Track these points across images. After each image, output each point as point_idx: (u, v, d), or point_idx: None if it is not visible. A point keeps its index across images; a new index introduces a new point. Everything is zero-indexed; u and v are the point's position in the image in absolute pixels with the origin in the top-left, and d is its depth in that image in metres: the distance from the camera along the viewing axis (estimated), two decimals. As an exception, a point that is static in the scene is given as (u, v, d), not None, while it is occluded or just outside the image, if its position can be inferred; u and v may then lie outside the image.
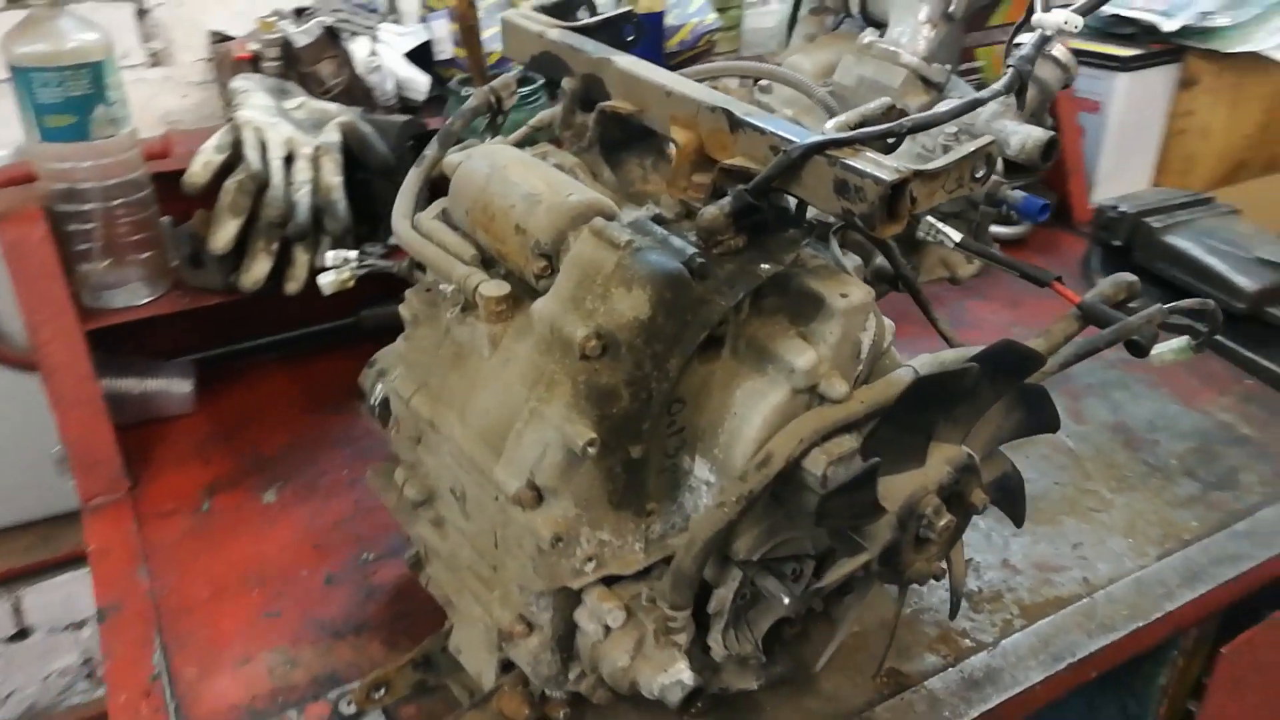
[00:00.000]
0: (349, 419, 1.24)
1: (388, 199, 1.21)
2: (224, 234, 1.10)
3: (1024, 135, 0.83)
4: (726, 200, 0.68)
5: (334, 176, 1.15)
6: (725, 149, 0.73)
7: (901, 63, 0.92)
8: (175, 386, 1.23)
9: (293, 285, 1.16)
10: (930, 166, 0.63)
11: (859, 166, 0.63)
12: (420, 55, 1.54)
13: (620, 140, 0.85)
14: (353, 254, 1.03)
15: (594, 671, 0.75)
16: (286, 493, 1.12)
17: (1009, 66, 0.75)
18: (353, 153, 1.19)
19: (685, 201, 0.75)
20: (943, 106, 0.70)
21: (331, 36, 1.47)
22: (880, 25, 1.01)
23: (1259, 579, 1.02)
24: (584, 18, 0.97)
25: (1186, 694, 1.11)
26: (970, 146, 0.65)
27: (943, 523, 0.66)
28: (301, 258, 1.15)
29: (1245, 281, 1.37)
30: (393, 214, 0.82)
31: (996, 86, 0.72)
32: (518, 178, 0.74)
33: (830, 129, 0.69)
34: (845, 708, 0.86)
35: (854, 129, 0.69)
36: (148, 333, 1.23)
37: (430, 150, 0.86)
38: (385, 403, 0.88)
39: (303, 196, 1.12)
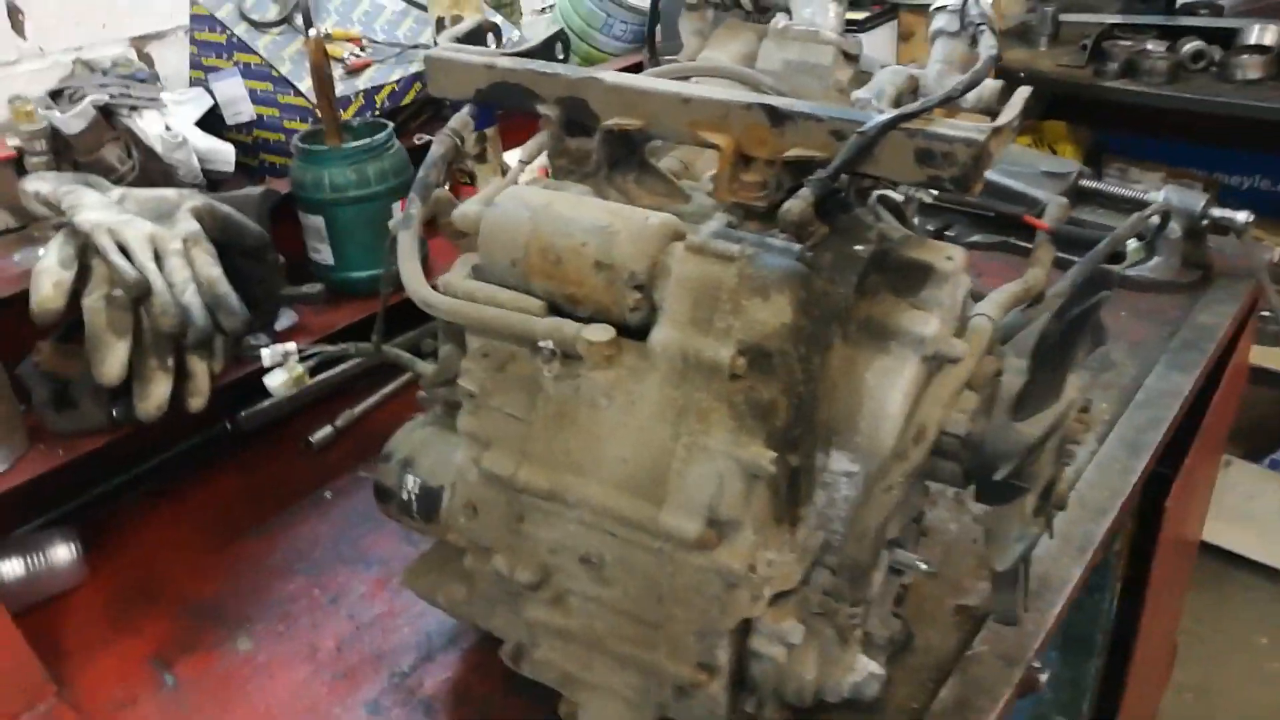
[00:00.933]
0: (278, 536, 1.09)
1: (263, 281, 1.09)
2: (114, 360, 0.92)
3: (984, 89, 0.90)
4: (806, 191, 0.68)
5: (213, 268, 1.00)
6: (764, 144, 0.73)
7: (825, 40, 0.96)
8: (58, 556, 1.01)
9: (197, 400, 1.00)
10: (1000, 122, 0.67)
11: (944, 133, 0.65)
12: (205, 122, 1.38)
13: (615, 160, 0.81)
14: (290, 346, 0.91)
15: (775, 697, 0.72)
16: (261, 633, 0.96)
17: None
18: (216, 239, 1.04)
19: (742, 204, 0.73)
20: (931, 70, 0.75)
21: (106, 116, 1.27)
22: (769, 10, 1.04)
23: (1172, 434, 1.18)
24: (491, 44, 0.92)
25: (1130, 550, 1.26)
26: (1019, 99, 0.70)
27: (1079, 446, 0.70)
28: (199, 367, 0.99)
29: (1044, 194, 1.55)
30: (411, 285, 0.73)
31: (990, 48, 0.77)
32: (572, 213, 0.69)
33: (862, 105, 0.70)
34: (945, 654, 0.89)
35: (891, 103, 0.71)
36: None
37: (413, 208, 0.77)
38: (426, 494, 0.79)
39: (191, 297, 0.96)
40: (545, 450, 0.69)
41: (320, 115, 1.16)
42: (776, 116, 0.71)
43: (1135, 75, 2.33)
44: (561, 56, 0.90)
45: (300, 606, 0.99)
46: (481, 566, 0.77)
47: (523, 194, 0.72)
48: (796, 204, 0.68)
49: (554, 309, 0.70)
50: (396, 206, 1.19)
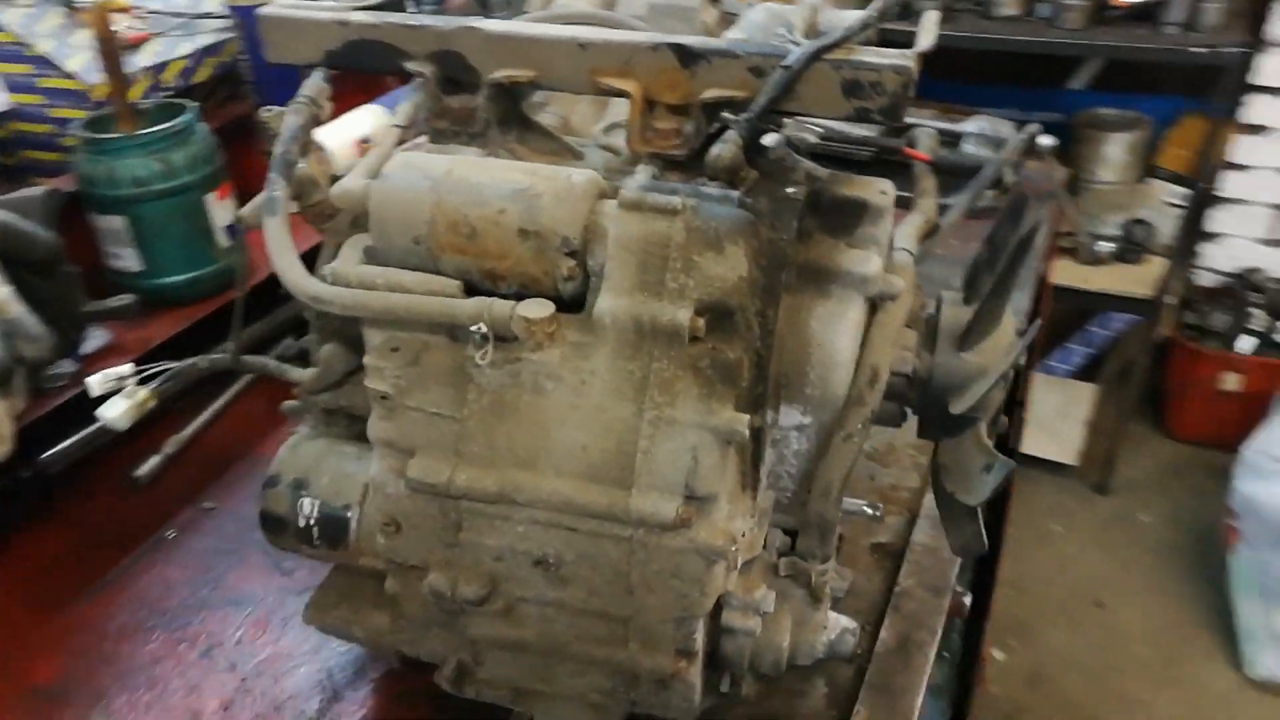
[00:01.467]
0: (120, 591, 0.94)
1: (59, 298, 0.93)
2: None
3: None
4: (733, 134, 0.64)
5: (1, 287, 0.83)
6: (675, 88, 0.67)
7: (686, -19, 0.91)
8: None
9: (1, 448, 0.83)
10: (922, 47, 0.65)
11: (872, 61, 0.63)
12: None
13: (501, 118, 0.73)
14: (124, 368, 0.77)
15: (750, 671, 0.69)
16: (122, 709, 0.82)
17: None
18: None
19: (659, 154, 0.68)
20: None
21: None
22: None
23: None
24: None
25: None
26: (932, 23, 0.68)
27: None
28: None
29: (873, 133, 1.59)
30: (292, 279, 0.62)
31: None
32: (482, 178, 0.61)
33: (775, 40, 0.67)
34: (875, 595, 0.89)
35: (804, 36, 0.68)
36: None
37: (276, 190, 0.66)
38: (329, 518, 0.69)
39: (-15, 331, 0.80)
40: (484, 448, 0.61)
41: (111, 98, 0.99)
42: (688, 56, 0.66)
43: (909, 16, 2.44)
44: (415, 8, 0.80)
45: (167, 668, 0.86)
46: (408, 588, 0.68)
47: (415, 161, 0.63)
48: (727, 149, 0.63)
49: (470, 288, 0.62)
50: (211, 197, 1.04)
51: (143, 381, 0.77)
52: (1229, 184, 2.62)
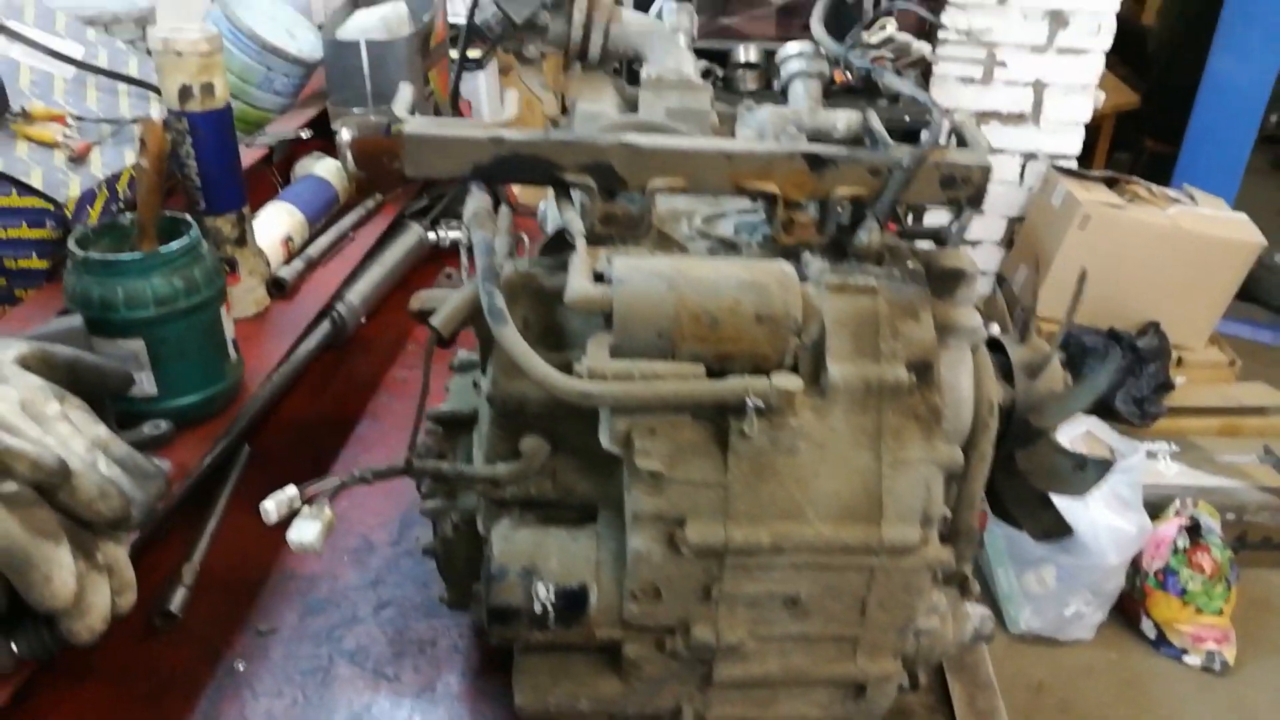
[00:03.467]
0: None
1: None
2: (61, 574, 0.68)
3: (845, 119, 1.04)
4: (873, 223, 0.79)
5: (98, 426, 0.78)
6: (803, 188, 0.81)
7: (699, 87, 1.04)
8: None
9: (128, 597, 0.77)
10: (990, 154, 0.84)
11: (962, 161, 0.81)
12: None
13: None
14: (292, 490, 0.76)
15: (924, 664, 0.82)
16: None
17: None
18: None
19: (802, 244, 0.81)
20: (804, 108, 0.90)
21: None
22: (607, 60, 1.08)
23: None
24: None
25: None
26: (970, 122, 0.88)
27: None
28: (115, 554, 0.77)
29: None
30: (554, 383, 0.68)
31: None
32: (708, 275, 0.71)
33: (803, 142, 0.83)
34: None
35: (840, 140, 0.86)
36: None
37: (497, 301, 0.71)
38: (567, 597, 0.74)
39: (107, 469, 0.74)
40: (751, 507, 0.70)
41: (141, 215, 0.92)
42: (816, 162, 0.80)
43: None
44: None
45: (316, 795, 0.83)
46: (648, 650, 0.75)
47: (640, 265, 0.72)
48: (874, 235, 0.78)
49: (711, 372, 0.71)
50: (222, 311, 1.01)
51: (306, 501, 0.76)
52: None
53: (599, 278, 0.73)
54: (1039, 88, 3.48)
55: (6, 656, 0.73)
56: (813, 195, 0.81)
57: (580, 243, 0.76)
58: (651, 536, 0.71)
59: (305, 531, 0.73)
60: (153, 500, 0.78)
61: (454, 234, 1.63)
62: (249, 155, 1.44)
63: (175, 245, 0.94)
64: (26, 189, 0.99)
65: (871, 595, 0.74)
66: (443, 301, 0.77)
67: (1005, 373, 0.87)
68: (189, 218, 1.00)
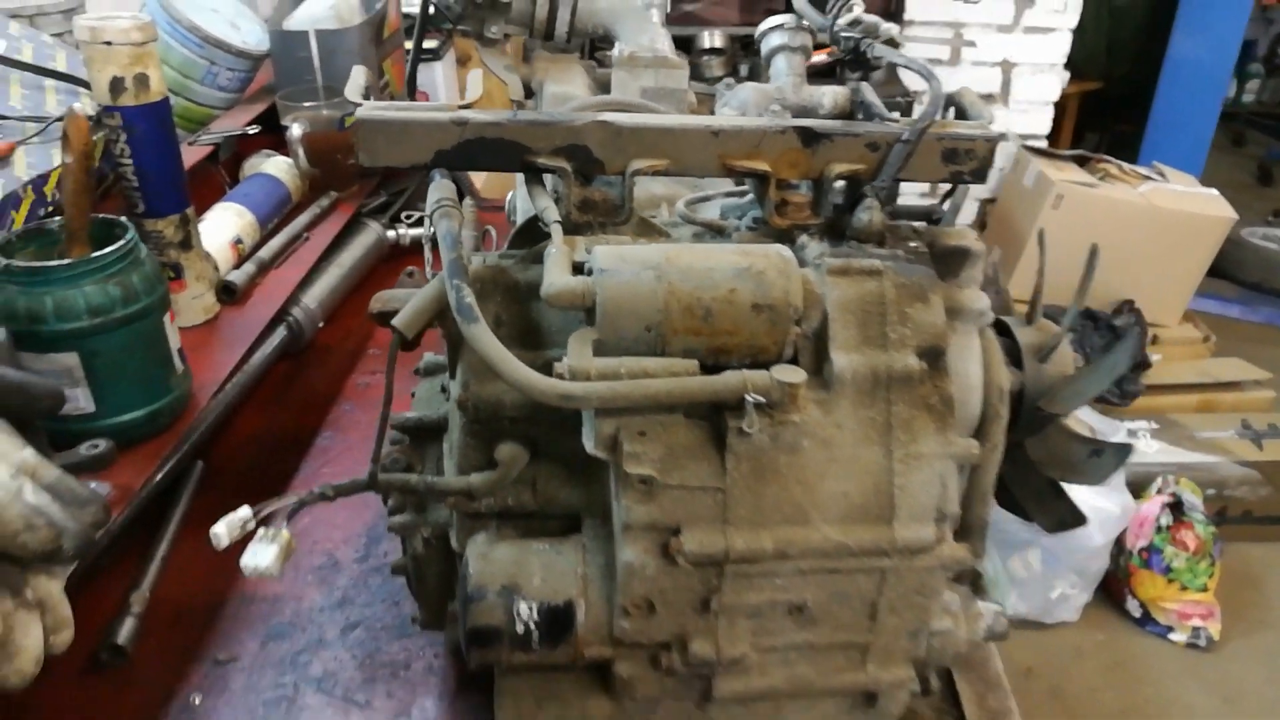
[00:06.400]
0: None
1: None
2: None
3: (833, 94, 0.98)
4: (873, 202, 0.73)
5: (23, 449, 0.70)
6: (796, 166, 0.75)
7: (675, 64, 0.98)
8: None
9: (64, 635, 0.69)
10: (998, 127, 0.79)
11: (965, 133, 0.75)
12: None
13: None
14: (244, 511, 0.69)
15: (934, 666, 0.77)
16: None
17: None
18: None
19: (797, 226, 0.74)
20: (787, 84, 0.85)
21: None
22: (581, 39, 1.02)
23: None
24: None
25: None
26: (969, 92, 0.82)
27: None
28: (48, 588, 0.69)
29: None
30: (530, 384, 0.61)
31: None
32: (700, 263, 0.65)
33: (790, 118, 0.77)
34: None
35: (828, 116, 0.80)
36: None
37: (466, 297, 0.64)
38: (551, 616, 0.68)
39: (32, 496, 0.67)
40: (752, 511, 0.64)
41: (70, 217, 0.84)
42: (810, 138, 0.74)
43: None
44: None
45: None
46: (641, 668, 0.69)
47: (624, 254, 0.65)
48: (876, 216, 0.72)
49: (705, 367, 0.65)
50: (165, 320, 0.93)
51: (261, 523, 0.69)
52: None
53: (578, 269, 0.66)
54: (1007, 67, 3.45)
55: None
56: (807, 174, 0.75)
57: (556, 231, 0.69)
58: (644, 547, 0.65)
59: (261, 556, 0.66)
60: (89, 528, 0.70)
61: (415, 231, 1.56)
62: (192, 154, 1.36)
63: (109, 250, 0.86)
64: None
65: (883, 599, 0.68)
66: (405, 301, 0.70)
67: (1013, 357, 0.82)
68: (125, 220, 0.92)
